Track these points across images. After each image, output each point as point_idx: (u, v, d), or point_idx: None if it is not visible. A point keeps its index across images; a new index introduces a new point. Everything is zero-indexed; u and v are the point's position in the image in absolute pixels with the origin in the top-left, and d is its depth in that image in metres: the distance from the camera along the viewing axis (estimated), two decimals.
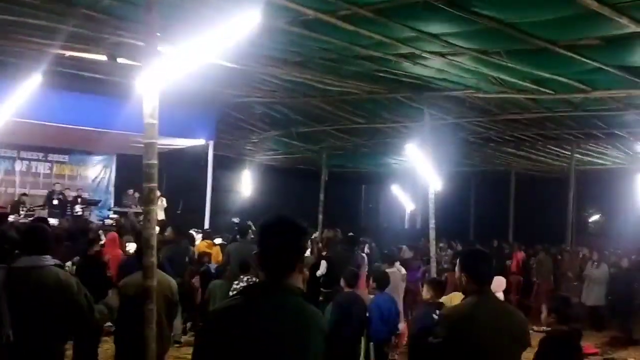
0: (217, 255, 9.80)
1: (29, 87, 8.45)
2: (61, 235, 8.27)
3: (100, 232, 10.28)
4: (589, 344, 9.56)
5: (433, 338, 3.21)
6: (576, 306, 4.93)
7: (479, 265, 3.20)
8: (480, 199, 18.52)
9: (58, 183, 15.47)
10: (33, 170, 16.38)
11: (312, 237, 13.76)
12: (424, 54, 7.03)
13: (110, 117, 10.43)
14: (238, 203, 16.99)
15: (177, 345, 7.76)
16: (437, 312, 4.68)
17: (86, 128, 11.15)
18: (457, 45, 6.54)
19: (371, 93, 9.79)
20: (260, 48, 7.35)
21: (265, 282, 2.21)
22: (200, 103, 11.42)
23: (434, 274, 9.50)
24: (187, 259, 8.97)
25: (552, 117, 10.54)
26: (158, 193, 14.21)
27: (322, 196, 15.59)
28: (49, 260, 3.65)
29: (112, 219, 14.07)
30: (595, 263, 11.42)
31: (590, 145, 13.22)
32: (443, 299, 5.50)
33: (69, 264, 7.51)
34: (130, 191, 14.91)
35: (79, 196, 15.15)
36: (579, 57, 6.36)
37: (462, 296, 3.24)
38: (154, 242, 3.93)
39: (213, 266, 9.12)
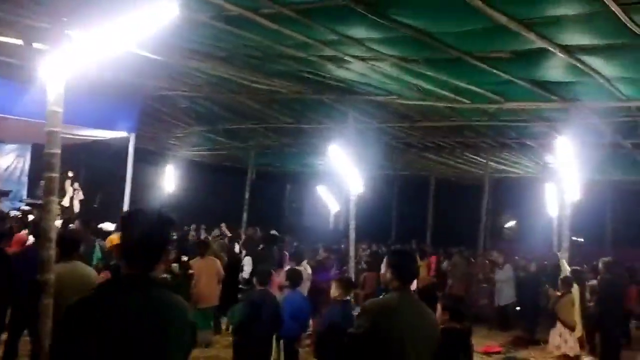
0: None
1: None
2: None
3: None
4: (493, 343, 10.05)
5: (354, 329, 3.26)
6: (466, 305, 5.17)
7: (405, 265, 3.38)
8: (402, 202, 19.00)
9: None
10: None
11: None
12: (346, 58, 7.13)
13: (22, 104, 9.89)
14: (160, 198, 16.57)
15: None
16: (344, 309, 4.78)
17: None
18: (378, 51, 6.68)
19: (297, 93, 9.83)
20: (182, 40, 7.21)
21: (128, 275, 2.15)
22: (122, 95, 11.06)
23: (352, 274, 9.70)
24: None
25: (470, 125, 10.97)
26: (76, 185, 13.57)
27: (247, 194, 15.51)
28: None
29: (21, 211, 13.36)
30: (500, 265, 12.00)
31: (505, 154, 13.86)
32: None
33: None
34: (42, 182, 14.20)
35: None
36: (490, 69, 6.66)
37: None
38: (53, 234, 3.78)
39: None
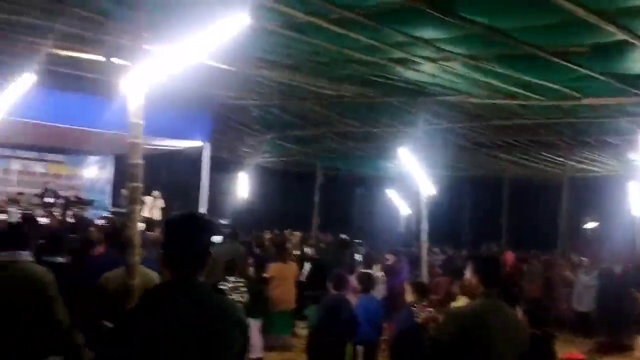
0: None
1: (22, 86, 8.45)
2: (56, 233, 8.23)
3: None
4: (575, 350, 9.60)
5: (437, 335, 3.29)
6: (547, 309, 4.96)
7: (491, 270, 3.39)
8: (474, 203, 18.56)
9: (51, 182, 15.50)
10: (29, 169, 16.43)
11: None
12: (416, 59, 7.06)
13: (105, 118, 10.46)
14: (234, 205, 17.00)
15: None
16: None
17: (80, 128, 11.18)
18: (447, 51, 6.57)
19: (365, 97, 9.83)
20: (252, 49, 7.39)
21: (174, 281, 2.15)
22: (196, 105, 11.48)
23: (425, 279, 9.54)
24: None
25: (545, 123, 10.58)
26: (157, 193, 14.16)
27: (316, 199, 15.64)
28: (25, 255, 3.54)
29: (105, 219, 14.07)
30: (585, 269, 11.45)
31: (584, 152, 13.27)
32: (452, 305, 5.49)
33: None
34: (124, 191, 14.90)
35: (73, 195, 15.17)
36: (567, 64, 6.40)
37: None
38: (137, 241, 3.96)
39: None
